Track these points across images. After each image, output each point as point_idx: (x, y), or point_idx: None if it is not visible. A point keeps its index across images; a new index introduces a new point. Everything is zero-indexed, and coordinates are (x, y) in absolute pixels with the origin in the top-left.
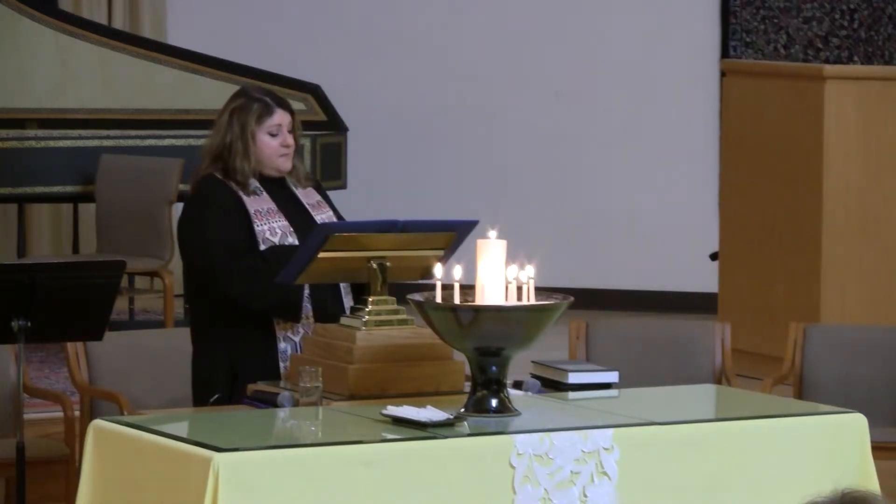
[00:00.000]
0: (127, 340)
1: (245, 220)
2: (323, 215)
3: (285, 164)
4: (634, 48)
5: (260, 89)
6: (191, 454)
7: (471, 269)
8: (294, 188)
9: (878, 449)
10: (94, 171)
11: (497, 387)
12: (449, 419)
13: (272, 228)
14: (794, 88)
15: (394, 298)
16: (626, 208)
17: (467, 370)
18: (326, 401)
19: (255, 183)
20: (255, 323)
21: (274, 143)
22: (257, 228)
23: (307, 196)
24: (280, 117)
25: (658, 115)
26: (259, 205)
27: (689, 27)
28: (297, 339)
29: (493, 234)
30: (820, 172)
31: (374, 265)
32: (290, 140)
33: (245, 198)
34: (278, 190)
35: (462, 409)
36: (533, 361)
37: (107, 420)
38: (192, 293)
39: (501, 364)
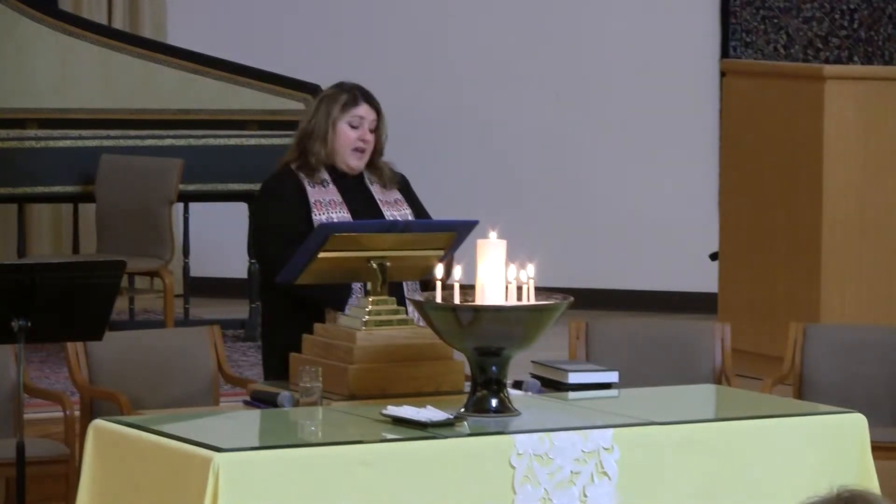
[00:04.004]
0: (127, 340)
1: (305, 210)
2: (396, 213)
3: (356, 161)
4: (634, 48)
5: (354, 84)
6: (191, 454)
7: (471, 269)
8: (370, 185)
9: (878, 449)
10: (94, 171)
11: (497, 387)
12: (449, 419)
13: (329, 218)
14: (794, 88)
15: (394, 298)
16: (626, 208)
17: (467, 370)
18: (326, 401)
19: (324, 174)
20: (308, 310)
21: (352, 134)
22: (315, 218)
23: (384, 194)
24: (364, 111)
25: (658, 115)
26: (322, 195)
27: (689, 27)
28: None
29: (493, 234)
30: (820, 172)
31: (374, 265)
32: (368, 136)
33: (309, 188)
34: (350, 184)
35: (462, 409)
36: (533, 361)
37: (107, 420)
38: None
39: (501, 364)
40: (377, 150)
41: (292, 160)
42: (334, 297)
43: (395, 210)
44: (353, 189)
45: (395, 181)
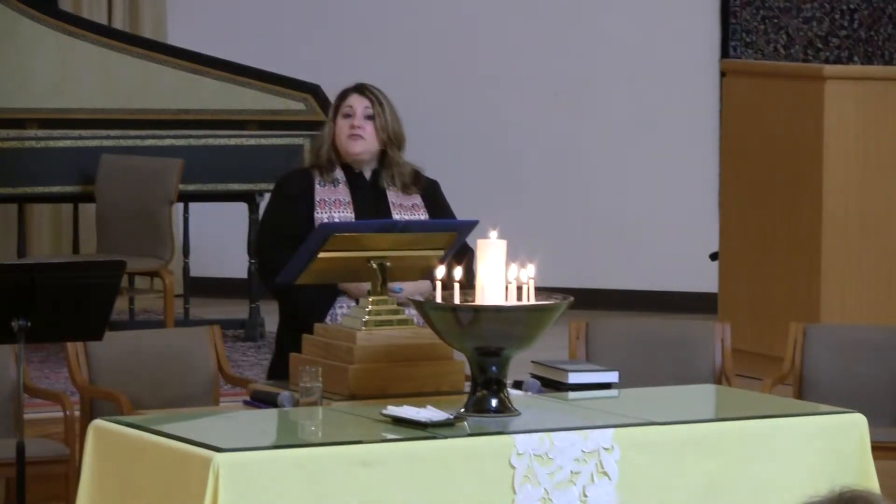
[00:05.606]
0: (127, 340)
1: (309, 209)
2: (407, 217)
3: (352, 146)
4: (634, 48)
5: (358, 82)
6: (191, 454)
7: None
8: (387, 187)
9: (878, 449)
10: (94, 171)
11: (497, 387)
12: (449, 419)
13: (331, 217)
14: (794, 88)
15: (394, 298)
16: (627, 208)
17: (467, 370)
18: (326, 401)
19: (338, 174)
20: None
21: (344, 123)
22: (317, 216)
23: (401, 197)
24: (353, 100)
25: (658, 115)
26: (328, 195)
27: (689, 27)
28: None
29: (493, 234)
30: (820, 172)
31: (374, 265)
32: (358, 122)
33: (318, 187)
34: (363, 184)
35: (462, 409)
36: (533, 361)
37: (107, 420)
38: None
39: (501, 364)
40: (387, 143)
41: (309, 162)
42: (314, 310)
43: (409, 214)
44: (365, 190)
45: (416, 185)
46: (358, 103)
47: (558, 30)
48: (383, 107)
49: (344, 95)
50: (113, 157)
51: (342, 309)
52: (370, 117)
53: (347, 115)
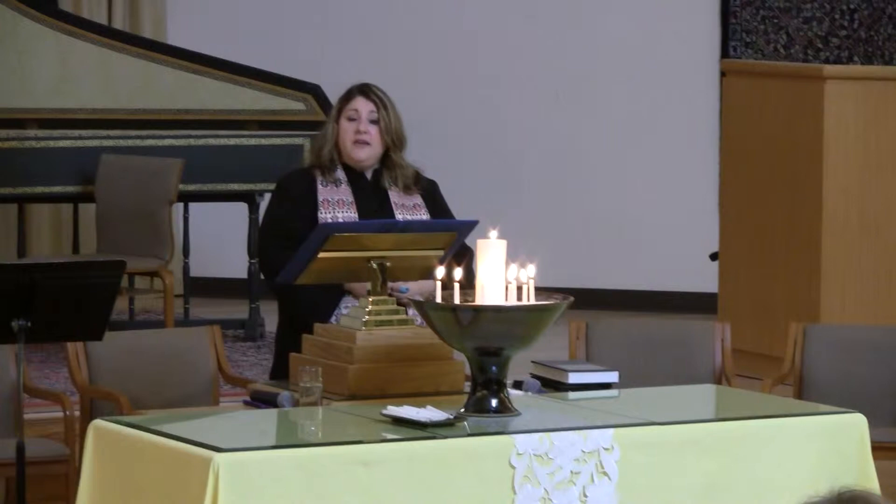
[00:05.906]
0: (127, 340)
1: (312, 209)
2: (410, 217)
3: (357, 152)
4: (634, 48)
5: (362, 83)
6: (191, 454)
7: None
8: (388, 187)
9: (878, 449)
10: (94, 171)
11: (497, 387)
12: (449, 419)
13: (335, 218)
14: (794, 88)
15: (394, 298)
16: (627, 208)
17: (467, 370)
18: (326, 401)
19: (340, 174)
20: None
21: (349, 127)
22: (320, 216)
23: (403, 197)
24: (359, 103)
25: (658, 115)
26: (331, 195)
27: (689, 27)
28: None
29: (493, 234)
30: (820, 172)
31: (374, 265)
32: (364, 127)
33: (321, 187)
34: (365, 184)
35: (462, 409)
36: (533, 361)
37: (107, 420)
38: None
39: (501, 364)
40: (390, 145)
41: (310, 161)
42: (319, 310)
43: (410, 214)
44: (367, 190)
45: (416, 185)
46: (363, 107)
47: (558, 30)
48: (388, 109)
49: (348, 97)
50: (113, 157)
51: (347, 309)
52: (375, 121)
53: (352, 119)
